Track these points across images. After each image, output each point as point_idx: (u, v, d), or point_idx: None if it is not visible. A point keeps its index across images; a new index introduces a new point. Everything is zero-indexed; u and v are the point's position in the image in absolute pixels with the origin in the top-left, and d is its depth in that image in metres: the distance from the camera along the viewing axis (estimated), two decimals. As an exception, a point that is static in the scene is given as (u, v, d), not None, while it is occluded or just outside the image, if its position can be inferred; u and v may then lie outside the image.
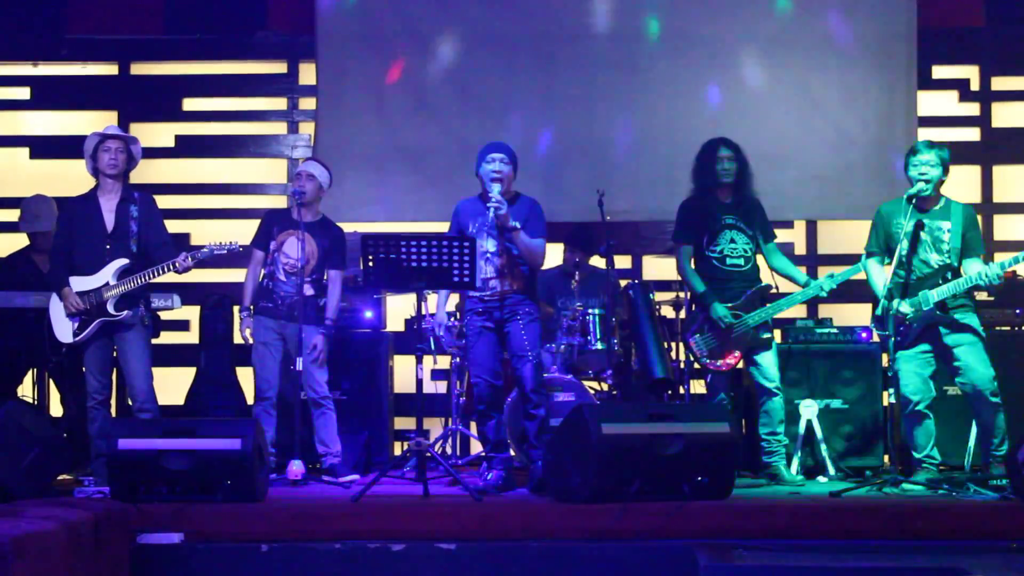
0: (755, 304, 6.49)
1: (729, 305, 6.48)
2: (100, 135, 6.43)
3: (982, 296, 6.86)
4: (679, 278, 7.19)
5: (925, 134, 8.03)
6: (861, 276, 6.51)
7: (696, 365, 6.74)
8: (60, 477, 6.26)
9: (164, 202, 6.77)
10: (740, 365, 6.60)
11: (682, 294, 7.28)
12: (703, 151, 6.63)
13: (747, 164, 6.60)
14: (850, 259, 7.14)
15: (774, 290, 6.66)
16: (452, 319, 7.28)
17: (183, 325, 8.25)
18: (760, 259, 6.66)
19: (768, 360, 6.51)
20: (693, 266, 6.58)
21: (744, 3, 8.30)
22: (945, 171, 6.22)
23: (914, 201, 6.11)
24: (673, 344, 7.37)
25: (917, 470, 6.22)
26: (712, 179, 6.55)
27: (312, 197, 6.69)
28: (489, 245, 6.16)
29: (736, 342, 6.48)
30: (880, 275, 6.34)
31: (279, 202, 8.38)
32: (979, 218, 6.58)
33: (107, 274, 6.32)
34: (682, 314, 7.31)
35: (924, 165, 6.16)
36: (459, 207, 6.33)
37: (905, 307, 6.13)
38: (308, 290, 6.65)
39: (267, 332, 6.64)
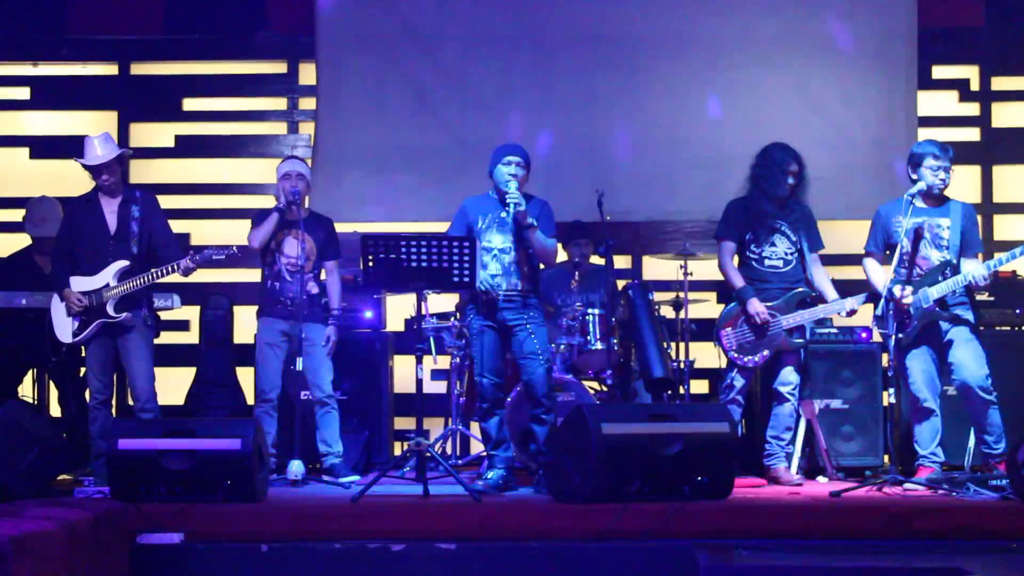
0: (792, 307, 6.47)
1: (767, 305, 6.44)
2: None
3: (982, 296, 6.88)
4: (679, 278, 7.20)
5: (925, 134, 8.03)
6: (864, 275, 6.50)
7: (724, 360, 6.65)
8: (60, 477, 6.26)
9: (164, 202, 6.77)
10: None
11: (681, 294, 7.27)
12: (770, 158, 6.51)
13: (806, 177, 6.54)
14: (850, 259, 7.13)
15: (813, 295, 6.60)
16: (452, 319, 7.28)
17: (183, 325, 8.25)
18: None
19: (791, 367, 6.49)
20: (736, 264, 6.56)
21: (744, 4, 8.30)
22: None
23: (912, 200, 6.14)
24: (673, 344, 7.37)
25: (919, 468, 6.23)
26: (773, 190, 6.46)
27: (304, 196, 6.73)
28: (497, 241, 6.11)
29: (769, 342, 6.47)
30: (879, 274, 6.38)
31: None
32: (979, 218, 6.58)
33: (108, 275, 6.32)
34: (682, 314, 7.31)
35: (941, 171, 6.21)
36: (466, 204, 6.26)
37: (909, 297, 6.15)
38: (313, 288, 6.68)
39: (274, 333, 6.63)
